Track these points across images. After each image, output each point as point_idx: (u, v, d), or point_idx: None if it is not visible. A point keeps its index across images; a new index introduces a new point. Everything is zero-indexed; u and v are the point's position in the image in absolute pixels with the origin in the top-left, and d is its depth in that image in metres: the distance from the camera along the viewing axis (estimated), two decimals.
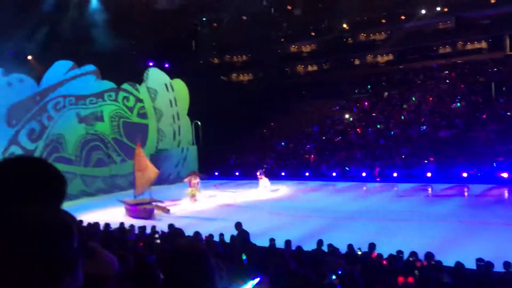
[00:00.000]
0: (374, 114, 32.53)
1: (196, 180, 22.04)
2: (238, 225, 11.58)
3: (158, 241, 11.22)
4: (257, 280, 4.28)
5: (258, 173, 23.96)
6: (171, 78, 31.34)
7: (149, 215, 18.37)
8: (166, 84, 30.72)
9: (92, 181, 26.36)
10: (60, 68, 25.48)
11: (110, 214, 19.06)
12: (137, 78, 29.62)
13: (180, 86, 31.65)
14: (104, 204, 22.19)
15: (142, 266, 4.00)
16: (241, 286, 3.98)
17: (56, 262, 1.04)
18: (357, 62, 41.96)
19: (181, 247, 1.83)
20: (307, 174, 27.18)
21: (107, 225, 13.09)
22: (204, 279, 1.73)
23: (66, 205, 1.34)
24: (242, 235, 11.29)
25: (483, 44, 36.92)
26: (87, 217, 14.87)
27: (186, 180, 22.32)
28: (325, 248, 10.25)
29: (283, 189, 24.19)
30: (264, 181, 23.43)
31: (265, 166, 27.41)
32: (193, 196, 21.74)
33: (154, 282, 3.46)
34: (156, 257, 7.30)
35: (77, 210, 15.73)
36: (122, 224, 13.63)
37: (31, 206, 1.10)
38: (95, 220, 13.55)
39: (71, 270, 1.07)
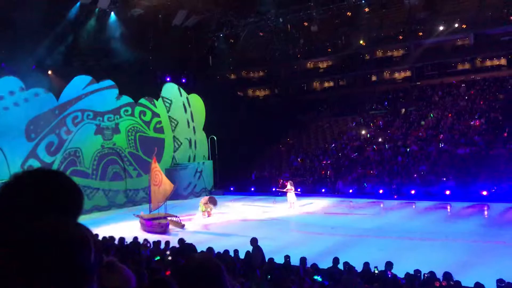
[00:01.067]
0: (389, 131, 32.26)
1: (210, 209, 21.83)
2: (253, 241, 11.49)
3: (170, 257, 11.14)
4: None
5: (288, 184, 23.27)
6: (188, 93, 31.64)
7: (164, 229, 18.35)
8: (180, 92, 31.15)
9: (108, 195, 26.55)
10: (79, 83, 25.91)
11: (125, 228, 19.11)
12: (155, 93, 29.95)
13: (196, 101, 31.95)
14: (119, 218, 22.30)
15: (156, 281, 3.96)
16: None
17: (74, 274, 1.05)
18: (374, 78, 41.78)
19: (196, 262, 1.81)
20: (323, 190, 26.98)
21: (121, 239, 13.09)
22: None
23: (81, 219, 1.32)
24: (257, 251, 11.20)
25: (502, 61, 36.53)
26: (101, 231, 14.90)
27: (203, 203, 21.99)
28: (341, 266, 10.10)
29: (312, 205, 23.96)
30: (291, 195, 23.04)
31: (289, 178, 26.70)
32: (207, 211, 21.67)
33: None
34: (170, 272, 7.26)
35: (92, 223, 15.76)
36: (136, 238, 13.64)
37: (50, 218, 1.10)
38: (110, 234, 13.57)
39: (88, 283, 1.08)
